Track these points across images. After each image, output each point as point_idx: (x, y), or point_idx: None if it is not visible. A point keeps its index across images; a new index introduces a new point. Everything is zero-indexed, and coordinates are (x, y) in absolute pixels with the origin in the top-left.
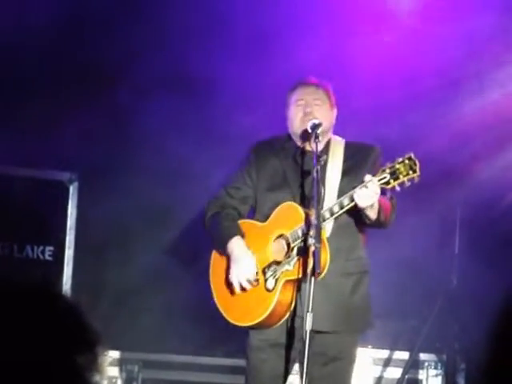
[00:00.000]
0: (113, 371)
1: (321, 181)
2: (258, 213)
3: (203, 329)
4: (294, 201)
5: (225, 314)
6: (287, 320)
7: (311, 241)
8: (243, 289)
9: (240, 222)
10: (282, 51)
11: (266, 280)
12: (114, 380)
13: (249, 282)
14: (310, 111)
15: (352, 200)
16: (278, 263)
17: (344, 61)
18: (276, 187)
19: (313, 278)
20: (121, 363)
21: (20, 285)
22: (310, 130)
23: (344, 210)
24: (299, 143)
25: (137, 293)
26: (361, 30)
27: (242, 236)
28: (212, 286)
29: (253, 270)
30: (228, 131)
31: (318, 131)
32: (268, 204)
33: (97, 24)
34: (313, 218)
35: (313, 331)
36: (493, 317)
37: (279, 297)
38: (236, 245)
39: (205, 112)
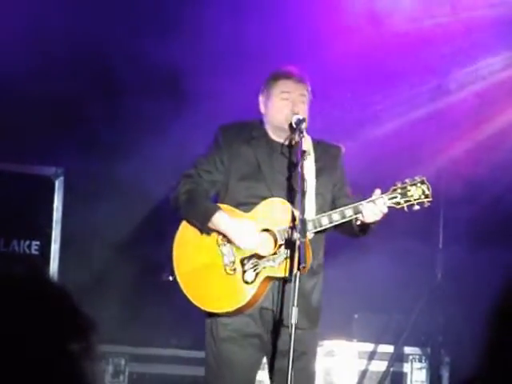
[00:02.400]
0: (99, 364)
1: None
2: (229, 199)
3: (190, 322)
4: (271, 193)
5: (188, 294)
6: (257, 312)
7: (296, 235)
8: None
9: (222, 206)
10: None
11: (244, 271)
12: (101, 373)
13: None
14: (298, 110)
15: (356, 212)
16: (259, 257)
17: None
18: (250, 177)
19: (298, 273)
20: (108, 357)
21: (9, 274)
22: (294, 125)
23: (345, 220)
24: (275, 136)
25: (123, 287)
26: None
27: None
28: (176, 263)
29: (255, 227)
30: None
31: (303, 126)
32: (242, 193)
33: (87, 27)
34: (298, 213)
35: (286, 326)
36: (477, 311)
37: (256, 291)
38: (223, 218)
39: (190, 119)
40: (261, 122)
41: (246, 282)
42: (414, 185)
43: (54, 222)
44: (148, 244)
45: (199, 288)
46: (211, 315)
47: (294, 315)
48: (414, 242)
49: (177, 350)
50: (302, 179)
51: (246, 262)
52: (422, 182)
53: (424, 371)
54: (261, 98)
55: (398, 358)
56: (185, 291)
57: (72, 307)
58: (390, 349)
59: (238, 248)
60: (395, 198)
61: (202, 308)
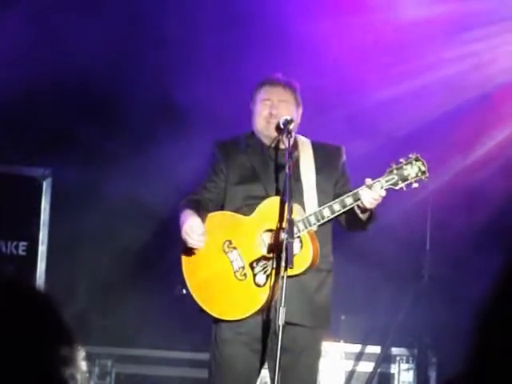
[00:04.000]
0: (86, 366)
1: (296, 177)
2: (228, 205)
3: (177, 323)
4: (267, 194)
5: (204, 306)
6: (262, 312)
7: (283, 235)
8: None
9: (221, 213)
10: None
11: (255, 275)
12: (87, 375)
13: (198, 237)
14: (276, 113)
15: (356, 199)
16: (267, 258)
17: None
18: (246, 180)
19: (285, 273)
20: (94, 358)
21: None
22: (282, 126)
23: (346, 209)
24: (263, 140)
25: (111, 288)
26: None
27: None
28: (186, 276)
29: (198, 226)
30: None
31: (290, 127)
32: (239, 196)
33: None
34: (286, 213)
35: (290, 324)
36: (464, 312)
37: (270, 293)
38: (183, 216)
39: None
40: (253, 132)
41: (258, 286)
42: (410, 163)
43: (41, 223)
44: (136, 245)
45: (214, 298)
46: (218, 320)
47: (281, 316)
48: (401, 243)
49: (164, 351)
50: (290, 180)
51: (255, 265)
52: (417, 159)
53: (411, 372)
54: (251, 107)
55: (385, 359)
56: (199, 303)
57: (56, 314)
58: (377, 350)
59: (246, 252)
60: (392, 179)
61: (220, 318)
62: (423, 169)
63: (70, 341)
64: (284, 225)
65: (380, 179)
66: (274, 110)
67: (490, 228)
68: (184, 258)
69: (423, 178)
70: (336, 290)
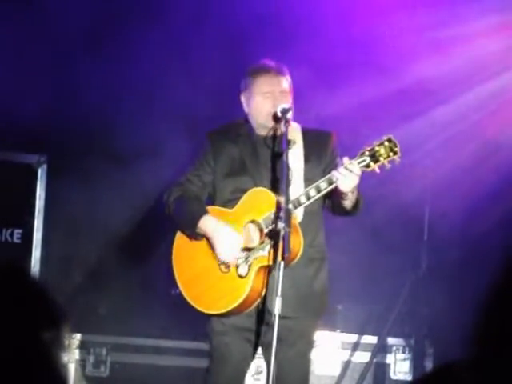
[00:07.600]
0: (81, 354)
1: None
2: (218, 198)
3: (173, 313)
4: (256, 186)
5: (193, 303)
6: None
7: (281, 225)
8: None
9: (207, 208)
10: None
11: (237, 266)
12: (82, 363)
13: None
14: (278, 105)
15: (330, 183)
16: (249, 249)
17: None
18: (235, 173)
19: (282, 262)
20: (89, 346)
21: None
22: (279, 114)
23: (321, 193)
24: (260, 131)
25: (106, 277)
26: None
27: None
28: (176, 275)
29: (240, 241)
30: None
31: (288, 115)
32: (228, 189)
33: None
34: (283, 202)
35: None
36: (462, 302)
37: (252, 283)
38: (210, 222)
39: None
40: (246, 120)
41: (241, 277)
42: (382, 144)
43: (36, 211)
44: (132, 234)
45: (201, 294)
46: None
47: (277, 305)
48: (398, 232)
49: (160, 340)
50: (287, 168)
51: (237, 256)
52: (389, 140)
53: (407, 362)
54: (243, 98)
55: (382, 349)
56: (189, 301)
57: (46, 297)
58: (373, 340)
59: None
60: (364, 160)
61: (207, 312)
62: (395, 149)
63: (58, 323)
64: (276, 213)
65: (352, 161)
66: (276, 103)
67: (490, 217)
68: (175, 257)
69: (396, 158)
70: (333, 279)
